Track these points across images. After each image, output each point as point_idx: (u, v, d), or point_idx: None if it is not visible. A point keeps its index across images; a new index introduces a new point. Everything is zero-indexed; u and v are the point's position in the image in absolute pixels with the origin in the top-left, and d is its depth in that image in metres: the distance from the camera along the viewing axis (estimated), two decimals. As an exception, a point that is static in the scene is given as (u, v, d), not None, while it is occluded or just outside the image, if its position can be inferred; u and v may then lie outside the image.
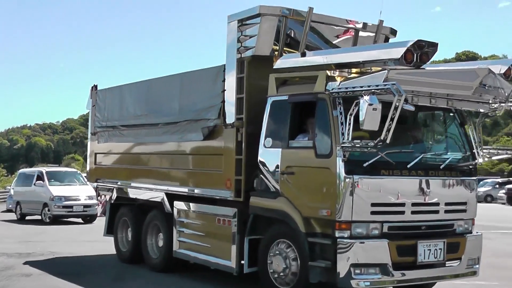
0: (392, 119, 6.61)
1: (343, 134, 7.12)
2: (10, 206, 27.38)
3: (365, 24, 9.52)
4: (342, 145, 7.11)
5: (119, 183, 12.24)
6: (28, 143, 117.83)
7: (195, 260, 9.79)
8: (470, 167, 8.46)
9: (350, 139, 7.01)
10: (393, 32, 9.90)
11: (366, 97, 6.58)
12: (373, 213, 7.42)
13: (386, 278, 7.37)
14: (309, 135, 7.93)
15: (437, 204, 7.91)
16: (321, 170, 7.51)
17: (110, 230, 12.72)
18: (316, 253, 7.52)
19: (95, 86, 13.59)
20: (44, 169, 25.18)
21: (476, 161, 8.46)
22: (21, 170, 28.64)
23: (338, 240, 7.24)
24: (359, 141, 6.95)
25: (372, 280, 7.32)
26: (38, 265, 11.76)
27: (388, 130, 6.64)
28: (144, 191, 11.30)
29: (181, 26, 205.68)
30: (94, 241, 15.56)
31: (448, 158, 8.20)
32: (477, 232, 8.49)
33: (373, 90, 6.69)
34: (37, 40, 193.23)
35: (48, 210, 22.00)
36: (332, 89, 7.35)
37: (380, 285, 7.46)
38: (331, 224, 7.35)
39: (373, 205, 7.41)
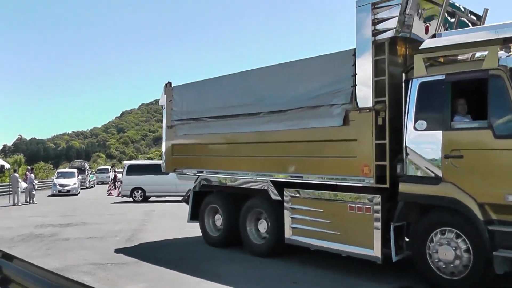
0: None
1: None
2: (54, 191, 28.40)
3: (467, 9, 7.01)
4: None
5: (205, 172, 9.45)
6: (67, 146, 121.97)
7: (319, 248, 7.15)
8: None
9: None
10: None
11: None
12: None
13: None
14: (471, 115, 5.47)
15: None
16: (506, 152, 5.13)
17: (194, 216, 9.93)
18: (496, 242, 5.15)
19: (170, 83, 10.68)
20: None
21: None
22: (129, 163, 24.79)
23: None
24: None
25: None
26: (77, 232, 11.79)
27: None
28: (242, 179, 8.56)
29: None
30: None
31: None
32: None
33: None
34: (74, 68, 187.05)
35: None
36: None
37: None
38: None
39: None
